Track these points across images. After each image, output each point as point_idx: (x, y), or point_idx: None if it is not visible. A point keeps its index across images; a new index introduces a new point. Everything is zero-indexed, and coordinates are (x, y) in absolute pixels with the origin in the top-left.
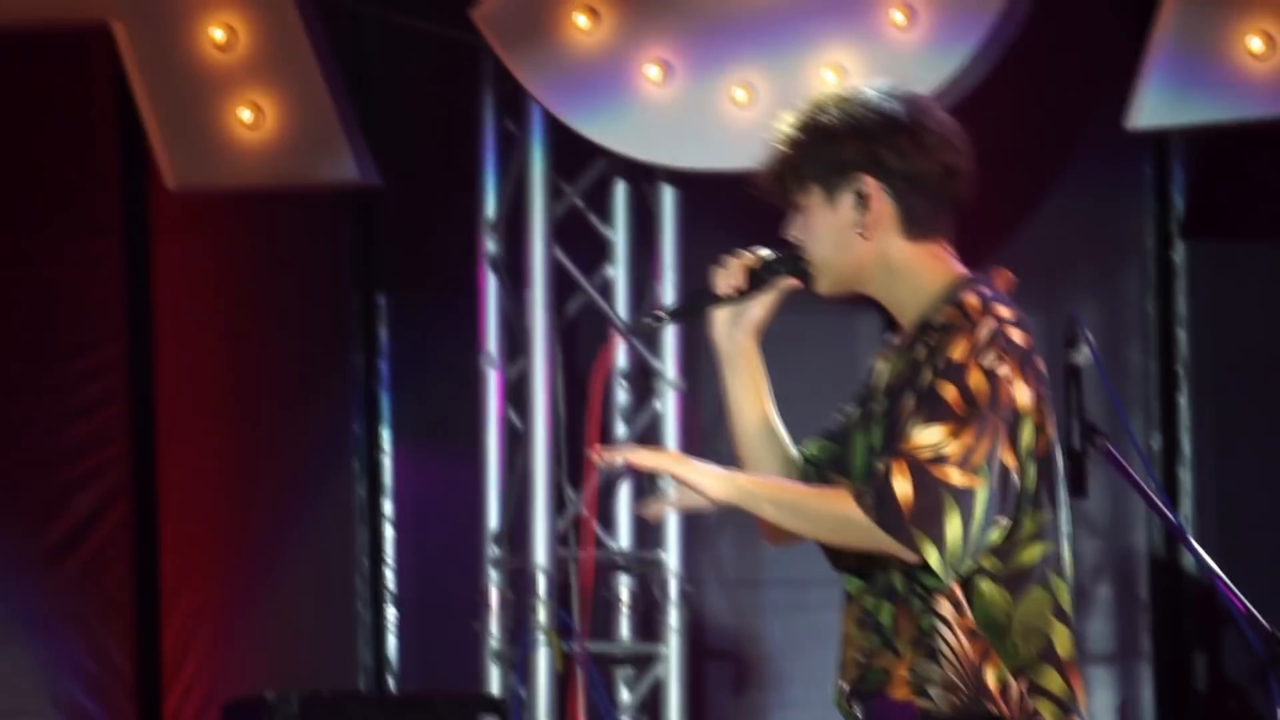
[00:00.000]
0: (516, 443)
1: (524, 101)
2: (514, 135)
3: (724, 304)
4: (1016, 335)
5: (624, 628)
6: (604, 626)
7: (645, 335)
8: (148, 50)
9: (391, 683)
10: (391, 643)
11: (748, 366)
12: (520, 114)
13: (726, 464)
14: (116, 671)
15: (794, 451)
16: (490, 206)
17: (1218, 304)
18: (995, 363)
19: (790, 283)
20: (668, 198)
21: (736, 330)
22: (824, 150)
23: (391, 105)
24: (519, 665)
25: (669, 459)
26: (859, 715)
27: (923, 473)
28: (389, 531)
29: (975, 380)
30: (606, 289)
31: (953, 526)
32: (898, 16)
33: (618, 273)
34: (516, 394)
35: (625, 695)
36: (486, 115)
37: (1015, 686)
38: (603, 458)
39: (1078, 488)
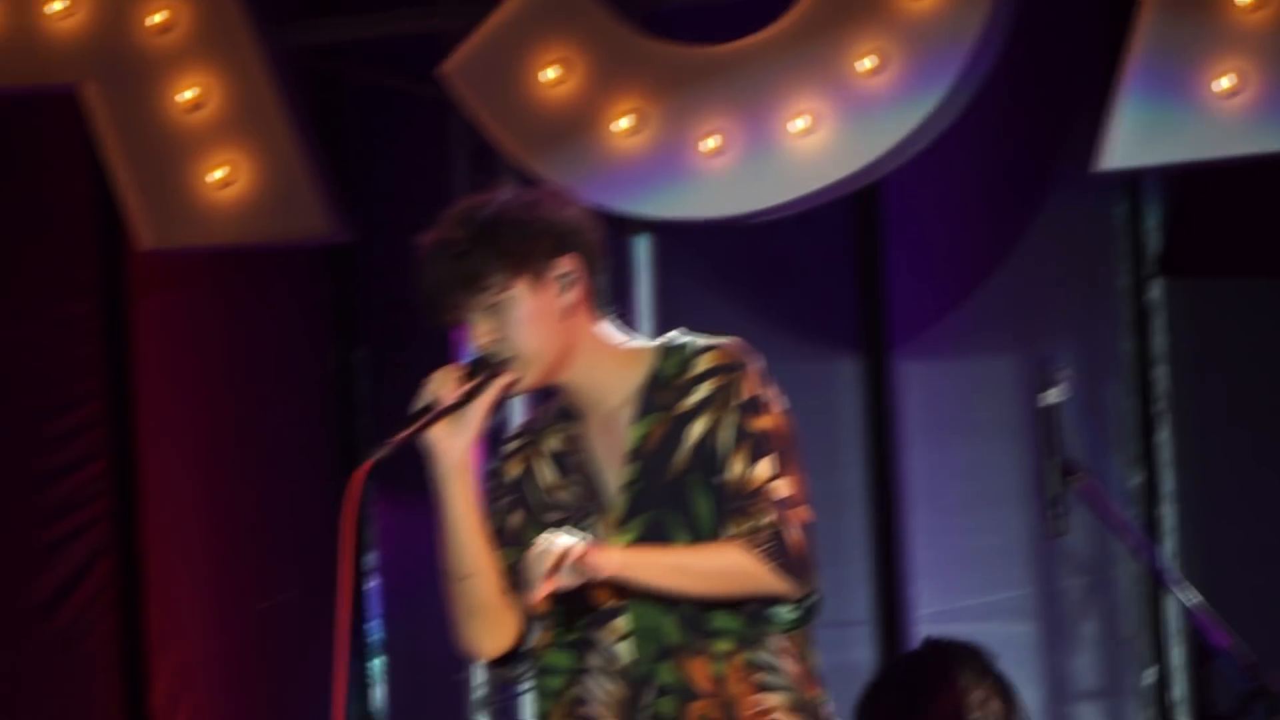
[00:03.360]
0: None
1: (495, 156)
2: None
3: (444, 416)
4: None
5: None
6: None
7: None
8: (118, 112)
9: None
10: (379, 694)
11: (466, 477)
12: (492, 168)
13: None
14: None
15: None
16: None
17: (1195, 340)
18: (774, 397)
19: (502, 382)
20: (641, 248)
21: (457, 439)
22: (527, 237)
23: (364, 161)
24: (504, 714)
25: (582, 557)
26: None
27: (796, 518)
28: (374, 582)
29: (776, 415)
30: None
31: (815, 558)
32: (867, 62)
33: None
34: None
35: None
36: (458, 169)
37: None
38: (538, 599)
39: (1058, 527)
